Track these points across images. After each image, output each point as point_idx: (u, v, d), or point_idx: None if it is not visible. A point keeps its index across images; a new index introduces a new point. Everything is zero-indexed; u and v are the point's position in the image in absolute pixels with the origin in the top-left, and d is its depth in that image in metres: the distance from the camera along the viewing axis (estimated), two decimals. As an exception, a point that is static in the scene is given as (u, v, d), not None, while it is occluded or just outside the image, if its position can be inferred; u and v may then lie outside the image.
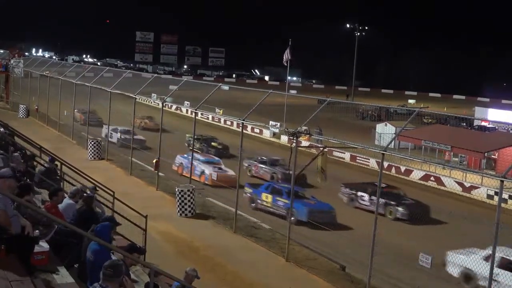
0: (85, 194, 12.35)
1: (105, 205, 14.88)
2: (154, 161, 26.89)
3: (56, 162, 17.89)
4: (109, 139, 32.93)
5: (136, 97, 29.93)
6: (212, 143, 37.60)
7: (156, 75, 57.11)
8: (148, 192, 25.13)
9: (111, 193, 16.35)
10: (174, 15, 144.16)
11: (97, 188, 15.85)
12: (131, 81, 35.82)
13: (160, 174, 26.52)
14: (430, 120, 60.24)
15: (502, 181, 13.33)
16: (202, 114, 49.45)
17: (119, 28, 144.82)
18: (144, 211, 15.74)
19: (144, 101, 42.95)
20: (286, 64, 52.23)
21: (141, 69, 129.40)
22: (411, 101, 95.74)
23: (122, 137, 34.64)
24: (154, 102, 57.17)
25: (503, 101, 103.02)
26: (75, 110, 38.56)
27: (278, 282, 16.10)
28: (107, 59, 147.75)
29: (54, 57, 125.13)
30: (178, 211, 21.82)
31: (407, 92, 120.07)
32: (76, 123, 38.17)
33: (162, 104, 28.25)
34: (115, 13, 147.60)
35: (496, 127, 53.33)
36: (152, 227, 16.60)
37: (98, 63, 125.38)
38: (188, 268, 10.31)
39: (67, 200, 11.94)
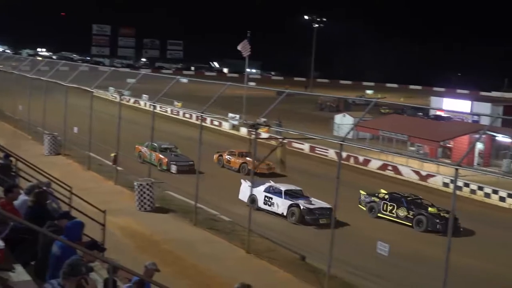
0: (36, 190, 12.10)
1: (62, 201, 14.67)
2: (112, 155, 26.63)
3: (11, 158, 17.54)
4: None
5: (94, 91, 29.56)
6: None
7: (113, 68, 56.33)
8: (106, 187, 24.88)
9: (68, 188, 16.13)
10: (131, 8, 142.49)
11: (53, 184, 15.60)
12: (88, 75, 35.33)
13: (119, 168, 26.28)
14: (387, 110, 61.16)
15: (457, 169, 13.61)
16: (160, 107, 49.12)
17: (75, 21, 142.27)
18: (102, 206, 15.58)
19: (101, 95, 42.44)
20: (245, 56, 52.21)
21: (98, 62, 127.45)
22: (368, 91, 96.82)
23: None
24: (111, 95, 56.63)
25: (458, 91, 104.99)
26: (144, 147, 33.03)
27: (238, 274, 16.13)
28: (62, 52, 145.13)
29: (7, 51, 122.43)
30: (137, 205, 21.67)
31: (365, 83, 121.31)
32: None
33: (120, 97, 28.00)
34: (70, 5, 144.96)
35: (451, 117, 54.39)
36: (111, 222, 16.43)
37: (54, 57, 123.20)
38: (147, 262, 10.26)
39: (22, 197, 11.70)
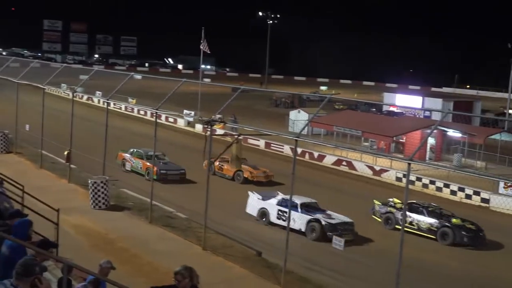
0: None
1: (14, 200, 14.40)
2: (66, 153, 26.22)
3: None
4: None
5: (45, 87, 29.04)
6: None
7: (65, 64, 55.48)
8: (60, 185, 24.49)
9: (21, 187, 15.84)
10: (83, 3, 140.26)
11: (4, 182, 15.29)
12: (39, 71, 34.64)
13: (72, 166, 25.90)
14: (341, 106, 61.84)
15: (409, 164, 13.87)
16: (114, 104, 48.58)
17: (26, 16, 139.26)
18: (56, 205, 15.32)
19: (53, 91, 41.72)
20: (208, 52, 52.08)
21: (49, 58, 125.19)
22: (323, 87, 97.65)
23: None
24: (64, 92, 55.71)
25: (410, 87, 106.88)
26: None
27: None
28: (13, 48, 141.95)
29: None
30: (92, 204, 21.41)
31: (319, 79, 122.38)
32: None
33: (73, 94, 27.60)
34: (21, 0, 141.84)
35: (404, 112, 55.35)
36: (64, 221, 16.21)
37: (4, 53, 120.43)
38: (102, 261, 10.15)
39: (-28, 196, 11.47)
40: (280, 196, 22.87)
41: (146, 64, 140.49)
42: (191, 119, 47.83)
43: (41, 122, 27.43)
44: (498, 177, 30.40)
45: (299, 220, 21.37)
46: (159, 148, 28.58)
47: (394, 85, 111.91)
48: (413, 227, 22.81)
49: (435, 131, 36.21)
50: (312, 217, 21.26)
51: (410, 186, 27.25)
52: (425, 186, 31.56)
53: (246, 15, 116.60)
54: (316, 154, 37.27)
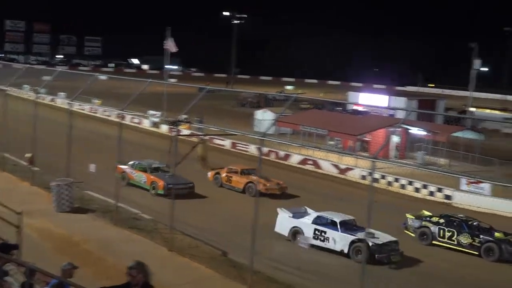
0: None
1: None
2: (28, 155, 25.82)
3: None
4: None
5: (7, 89, 28.58)
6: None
7: (28, 65, 54.65)
8: (22, 188, 24.11)
9: (-19, 190, 15.56)
10: (47, 3, 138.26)
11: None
12: (1, 72, 34.07)
13: (35, 168, 25.52)
14: (307, 106, 62.15)
15: (373, 162, 14.03)
16: (79, 105, 48.01)
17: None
18: (18, 208, 15.09)
19: (16, 93, 41.08)
20: (173, 51, 51.81)
21: (11, 59, 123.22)
22: (288, 87, 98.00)
23: None
24: (26, 93, 54.85)
25: (375, 86, 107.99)
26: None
27: (161, 272, 16.00)
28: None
29: None
30: (55, 206, 21.13)
31: (284, 79, 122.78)
32: None
33: (36, 95, 27.23)
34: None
35: (369, 111, 55.86)
36: (27, 224, 15.95)
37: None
38: (63, 264, 10.04)
39: None
40: (314, 213, 21.12)
41: (111, 65, 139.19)
42: (156, 120, 47.54)
43: (2, 124, 26.95)
44: (460, 174, 30.91)
45: (340, 241, 19.58)
46: (151, 156, 27.72)
47: (359, 84, 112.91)
48: (452, 242, 21.56)
49: (399, 129, 36.75)
50: (356, 237, 19.32)
51: (375, 184, 27.51)
52: (389, 183, 31.93)
53: (212, 14, 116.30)
54: (282, 154, 37.39)
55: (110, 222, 20.18)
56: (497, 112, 65.58)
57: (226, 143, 40.66)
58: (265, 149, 34.21)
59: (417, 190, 31.06)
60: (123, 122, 24.63)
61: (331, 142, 40.29)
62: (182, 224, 19.49)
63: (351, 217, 20.66)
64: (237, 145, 40.11)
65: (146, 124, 48.83)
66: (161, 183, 25.84)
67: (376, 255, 18.78)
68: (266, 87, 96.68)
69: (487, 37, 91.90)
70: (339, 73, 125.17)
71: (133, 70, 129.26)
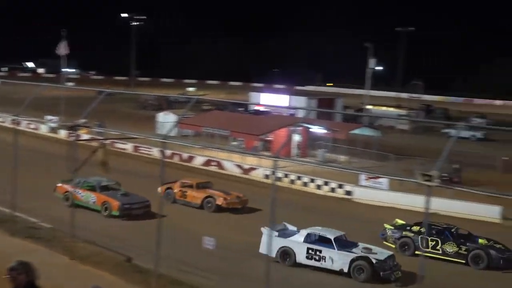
0: None
1: None
2: None
3: None
4: None
5: None
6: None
7: None
8: None
9: None
10: None
11: None
12: None
13: None
14: (209, 107, 62.16)
15: (275, 161, 14.18)
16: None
17: None
18: None
19: None
20: (62, 55, 50.23)
21: None
22: (190, 89, 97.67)
23: None
24: None
25: (276, 86, 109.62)
26: None
27: (62, 282, 15.52)
28: None
29: None
30: None
31: (186, 81, 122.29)
32: None
33: None
34: None
35: (270, 111, 56.63)
36: None
37: None
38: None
39: None
40: (304, 230, 19.72)
41: (4, 69, 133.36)
42: (54, 125, 46.00)
43: None
44: (359, 169, 31.94)
45: (339, 260, 18.49)
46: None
47: (260, 85, 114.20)
48: (437, 251, 20.81)
49: (299, 128, 37.47)
50: (356, 255, 18.43)
51: (278, 183, 27.92)
52: (292, 182, 32.46)
53: (111, 16, 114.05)
54: (185, 156, 37.18)
55: (5, 232, 19.28)
56: (392, 109, 68.21)
57: (128, 146, 39.95)
58: (168, 152, 33.89)
59: (319, 187, 31.77)
60: (19, 128, 23.61)
61: (234, 143, 40.49)
62: (84, 231, 18.96)
63: (341, 232, 19.70)
64: (140, 148, 39.52)
65: (43, 129, 47.17)
66: (115, 203, 23.89)
67: (381, 273, 18.00)
68: (168, 89, 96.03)
69: (383, 37, 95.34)
70: (241, 74, 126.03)
71: (28, 74, 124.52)
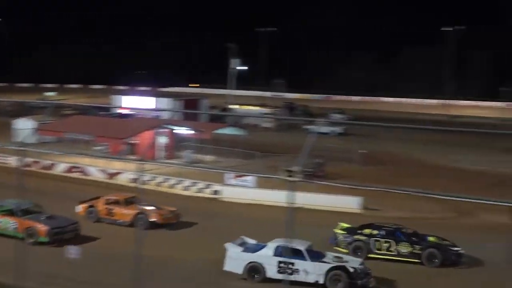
0: None
1: None
2: None
3: None
4: None
5: None
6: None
7: None
8: None
9: None
10: None
11: None
12: None
13: None
14: (71, 112, 60.13)
15: (141, 164, 14.02)
16: None
17: None
18: None
19: None
20: None
21: None
22: (50, 93, 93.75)
23: None
24: None
25: (139, 88, 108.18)
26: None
27: None
28: None
29: None
30: None
31: (45, 85, 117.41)
32: None
33: None
34: None
35: (135, 113, 55.84)
36: None
37: None
38: None
39: None
40: (271, 243, 18.77)
41: None
42: None
43: None
44: (226, 169, 32.30)
45: (313, 271, 17.82)
46: None
47: (124, 87, 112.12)
48: (391, 253, 20.92)
49: (164, 130, 37.30)
50: (331, 265, 17.97)
51: (145, 186, 27.57)
52: (159, 184, 32.19)
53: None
54: (45, 163, 35.72)
55: None
56: (256, 108, 69.46)
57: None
58: (29, 160, 32.36)
59: (186, 188, 31.73)
60: None
61: (98, 148, 39.41)
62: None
63: (309, 242, 18.90)
64: (-3, 158, 37.39)
65: None
66: (43, 228, 21.24)
67: (358, 281, 17.69)
68: (25, 95, 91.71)
69: (246, 37, 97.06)
70: (103, 76, 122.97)
71: None
